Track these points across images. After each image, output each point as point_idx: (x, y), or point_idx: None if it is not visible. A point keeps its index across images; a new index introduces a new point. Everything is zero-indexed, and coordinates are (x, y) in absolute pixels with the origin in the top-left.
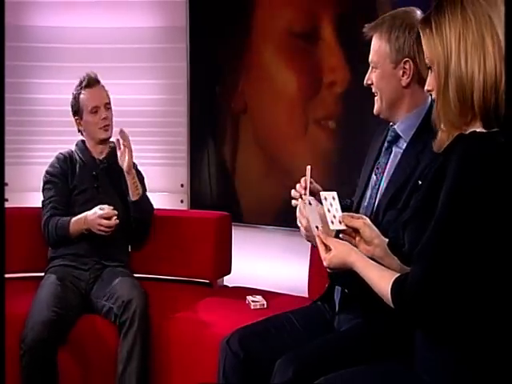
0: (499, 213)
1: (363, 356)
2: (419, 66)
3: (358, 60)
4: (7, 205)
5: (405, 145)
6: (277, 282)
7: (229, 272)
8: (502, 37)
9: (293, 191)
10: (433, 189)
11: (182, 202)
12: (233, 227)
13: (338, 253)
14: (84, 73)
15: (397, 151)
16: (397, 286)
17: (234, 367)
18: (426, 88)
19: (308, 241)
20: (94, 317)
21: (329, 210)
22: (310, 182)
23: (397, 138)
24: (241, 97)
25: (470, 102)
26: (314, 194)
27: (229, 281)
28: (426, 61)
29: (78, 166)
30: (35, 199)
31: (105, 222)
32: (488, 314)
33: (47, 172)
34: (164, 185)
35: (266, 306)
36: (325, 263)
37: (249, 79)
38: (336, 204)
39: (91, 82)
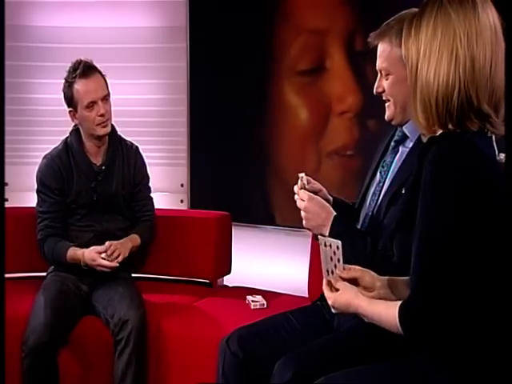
0: (478, 213)
1: (363, 356)
2: None
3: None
4: (7, 205)
5: (411, 144)
6: (277, 282)
7: (229, 272)
8: (461, 52)
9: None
10: (413, 197)
11: (182, 201)
12: (233, 227)
13: (345, 293)
14: (77, 57)
15: (403, 151)
16: (403, 307)
17: (233, 367)
18: (407, 83)
19: (306, 228)
20: (95, 319)
21: (331, 259)
22: (308, 182)
23: (404, 138)
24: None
25: (429, 106)
26: (315, 193)
27: (229, 281)
28: (404, 60)
29: (74, 176)
30: (35, 199)
31: (106, 263)
32: (486, 315)
33: (41, 181)
34: (164, 185)
35: (266, 306)
36: (330, 302)
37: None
38: (339, 254)
39: (87, 71)
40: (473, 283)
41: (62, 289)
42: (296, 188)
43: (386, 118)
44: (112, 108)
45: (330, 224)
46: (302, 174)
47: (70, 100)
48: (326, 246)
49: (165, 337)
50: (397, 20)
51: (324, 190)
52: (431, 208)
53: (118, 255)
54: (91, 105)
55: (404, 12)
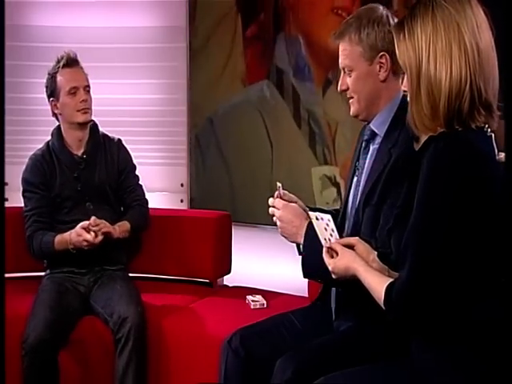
0: (471, 210)
1: (363, 355)
2: (393, 57)
3: None
4: (7, 204)
5: (380, 140)
6: (277, 281)
7: (229, 272)
8: (468, 45)
9: (270, 205)
10: (410, 194)
11: (181, 201)
12: (233, 227)
13: (344, 258)
14: (63, 52)
15: (374, 149)
16: (388, 289)
17: (235, 367)
18: (402, 88)
19: (282, 235)
20: (94, 318)
21: (325, 229)
22: (284, 194)
23: (373, 135)
24: None
25: (438, 106)
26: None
27: (229, 280)
28: (400, 63)
29: (57, 169)
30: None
31: (89, 237)
32: (475, 309)
33: (25, 180)
34: (164, 185)
35: (265, 306)
36: (330, 268)
37: None
38: (332, 225)
39: (70, 62)
40: (460, 278)
41: (60, 289)
42: (271, 200)
43: (351, 113)
44: (93, 103)
45: (303, 231)
46: (279, 184)
47: (53, 90)
48: (317, 219)
49: (165, 337)
50: (354, 18)
51: (299, 201)
52: (425, 204)
53: (100, 230)
54: (73, 91)
55: (362, 8)
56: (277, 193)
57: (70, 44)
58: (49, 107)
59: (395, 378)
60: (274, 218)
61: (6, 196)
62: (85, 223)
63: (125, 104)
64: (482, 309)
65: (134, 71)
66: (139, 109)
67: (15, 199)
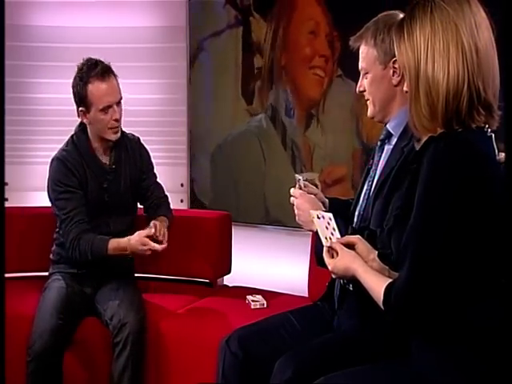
0: (471, 210)
1: (363, 356)
2: None
3: None
4: (7, 204)
5: (395, 140)
6: (277, 281)
7: (229, 272)
8: (466, 45)
9: (291, 194)
10: (411, 194)
11: (181, 201)
12: (233, 227)
13: (343, 258)
14: (83, 56)
15: (388, 148)
16: (387, 290)
17: (232, 367)
18: (404, 89)
19: (298, 222)
20: (96, 319)
21: (326, 228)
22: (305, 186)
23: (389, 135)
24: None
25: (437, 106)
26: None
27: (229, 280)
28: (400, 64)
29: (88, 176)
30: (35, 199)
31: (158, 247)
32: (475, 309)
33: (60, 181)
34: (164, 185)
35: (265, 306)
36: (329, 267)
37: None
38: (333, 224)
39: (105, 73)
40: (460, 278)
41: (66, 291)
42: (292, 190)
43: (368, 115)
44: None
45: None
46: (299, 176)
47: (83, 99)
48: (319, 218)
49: (165, 337)
50: (373, 22)
51: (320, 193)
52: (425, 204)
53: (164, 237)
54: (107, 109)
55: (380, 15)
56: (297, 185)
57: (70, 44)
58: (49, 107)
59: (396, 377)
60: (294, 207)
61: (6, 196)
62: (149, 232)
63: (124, 104)
64: (481, 309)
65: (134, 71)
66: (139, 109)
67: (15, 199)
